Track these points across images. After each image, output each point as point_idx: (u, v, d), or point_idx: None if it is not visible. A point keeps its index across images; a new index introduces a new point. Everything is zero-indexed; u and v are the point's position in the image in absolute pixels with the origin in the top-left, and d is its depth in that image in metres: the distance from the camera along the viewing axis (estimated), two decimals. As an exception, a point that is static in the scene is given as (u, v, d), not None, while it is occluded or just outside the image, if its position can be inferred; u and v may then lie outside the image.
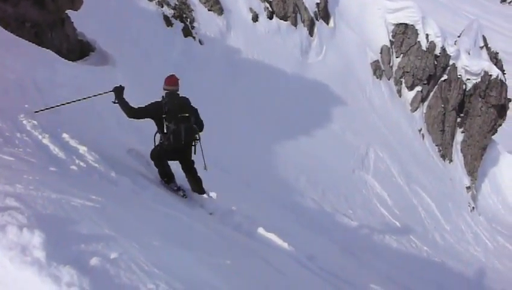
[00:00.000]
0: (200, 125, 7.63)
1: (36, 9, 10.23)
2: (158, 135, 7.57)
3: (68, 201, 3.93)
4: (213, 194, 8.23)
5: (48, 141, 6.62)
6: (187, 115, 7.23)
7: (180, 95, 7.52)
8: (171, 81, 7.45)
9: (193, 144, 7.53)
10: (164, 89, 7.43)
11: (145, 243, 3.96)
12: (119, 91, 7.31)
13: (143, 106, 7.25)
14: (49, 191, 3.94)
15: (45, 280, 2.64)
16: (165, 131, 7.26)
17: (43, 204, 3.60)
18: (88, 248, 3.23)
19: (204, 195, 8.10)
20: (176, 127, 7.13)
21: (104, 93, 7.50)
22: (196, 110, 7.57)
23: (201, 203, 8.00)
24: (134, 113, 7.25)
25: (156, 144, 7.57)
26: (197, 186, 8.02)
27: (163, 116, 7.16)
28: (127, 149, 8.66)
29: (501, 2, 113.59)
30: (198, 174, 8.01)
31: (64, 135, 7.19)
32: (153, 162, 7.73)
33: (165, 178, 7.80)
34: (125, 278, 3.10)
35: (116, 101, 7.34)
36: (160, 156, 7.53)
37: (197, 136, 7.58)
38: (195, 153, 7.66)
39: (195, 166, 7.97)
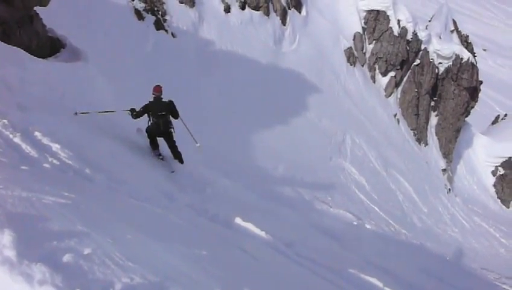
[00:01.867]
0: (176, 115, 10.64)
1: (3, 6, 10.04)
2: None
3: (39, 199, 3.92)
4: (199, 145, 11.19)
5: (20, 140, 6.56)
6: (164, 113, 10.40)
7: (163, 99, 10.48)
8: (156, 89, 10.51)
9: (170, 130, 10.58)
10: (152, 94, 10.45)
11: (119, 237, 3.97)
12: (133, 110, 10.50)
13: (141, 109, 10.41)
14: (20, 189, 3.92)
15: (17, 279, 2.63)
16: (150, 121, 10.48)
17: (13, 203, 3.58)
18: (60, 244, 3.22)
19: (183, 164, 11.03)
20: (156, 120, 10.38)
21: (126, 111, 10.50)
22: (173, 106, 10.52)
23: (173, 169, 10.88)
24: (136, 117, 10.48)
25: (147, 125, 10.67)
26: (177, 157, 10.95)
27: (149, 112, 10.41)
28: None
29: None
30: (179, 150, 10.94)
31: (36, 133, 7.13)
32: (146, 134, 10.79)
33: (152, 146, 10.85)
34: (99, 273, 3.10)
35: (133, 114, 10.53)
36: (148, 133, 10.67)
37: (171, 128, 10.64)
38: (175, 132, 10.68)
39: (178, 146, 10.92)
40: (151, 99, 10.42)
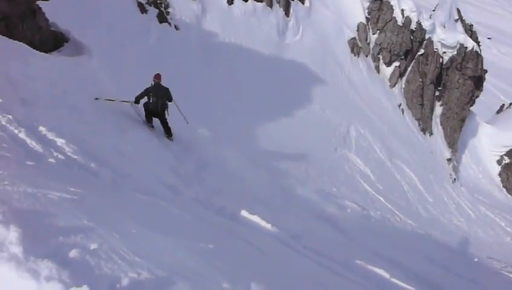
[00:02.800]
0: (170, 99, 12.16)
1: (5, 1, 10.02)
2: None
3: (45, 194, 3.90)
4: (189, 125, 13.51)
5: (24, 135, 6.55)
6: (162, 95, 11.89)
7: (162, 85, 12.03)
8: (156, 76, 12.05)
9: (164, 110, 12.10)
10: (153, 80, 11.96)
11: (125, 232, 3.96)
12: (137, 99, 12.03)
13: (143, 90, 11.89)
14: (25, 185, 3.91)
15: (23, 275, 2.62)
16: (150, 101, 11.93)
17: (19, 199, 3.57)
18: (67, 240, 3.21)
19: (172, 138, 12.53)
20: (155, 99, 11.88)
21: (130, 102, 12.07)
22: (169, 92, 12.07)
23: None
24: (138, 99, 11.94)
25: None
26: (168, 133, 12.46)
27: (150, 94, 11.86)
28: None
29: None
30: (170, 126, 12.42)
31: (41, 128, 7.13)
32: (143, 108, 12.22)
33: (146, 119, 12.30)
34: (106, 269, 3.09)
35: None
36: (145, 108, 12.13)
37: (166, 110, 12.16)
38: (168, 115, 12.23)
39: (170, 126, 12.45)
40: (152, 84, 11.97)
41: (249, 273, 4.71)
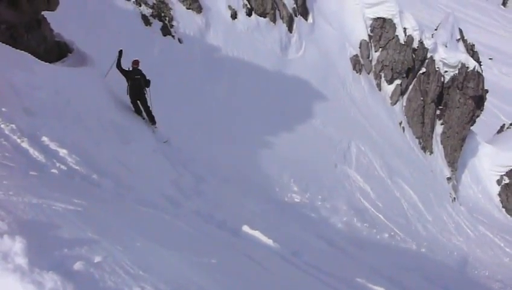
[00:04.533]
0: (148, 83, 12.96)
1: (11, 10, 10.05)
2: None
3: (49, 205, 3.88)
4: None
5: (27, 145, 6.53)
6: (138, 77, 12.75)
7: (139, 69, 12.96)
8: (135, 62, 12.97)
9: (144, 93, 12.93)
10: (132, 66, 12.89)
11: (129, 245, 3.93)
12: (120, 53, 12.91)
13: (125, 69, 12.79)
14: (30, 196, 3.89)
15: (28, 287, 2.59)
16: (129, 84, 12.75)
17: (24, 209, 3.55)
18: (71, 252, 3.19)
19: (156, 126, 13.15)
20: (132, 82, 12.73)
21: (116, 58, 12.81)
22: (144, 75, 12.88)
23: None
24: (120, 69, 12.74)
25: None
26: (151, 120, 13.10)
27: (129, 78, 12.72)
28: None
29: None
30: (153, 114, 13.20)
31: (44, 138, 7.11)
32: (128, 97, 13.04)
33: (134, 108, 13.10)
34: (110, 282, 3.06)
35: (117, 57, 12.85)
36: (129, 96, 12.88)
37: (144, 90, 12.96)
38: (149, 97, 13.07)
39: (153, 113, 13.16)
40: (131, 69, 12.91)
41: (251, 289, 4.67)
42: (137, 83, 12.81)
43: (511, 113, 57.21)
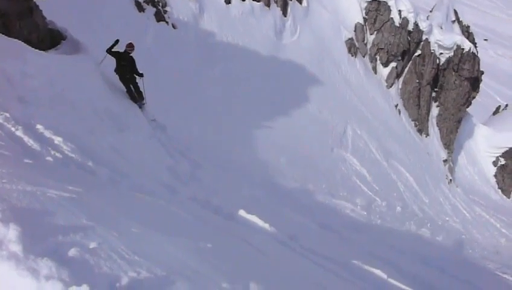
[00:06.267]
0: (135, 71, 12.73)
1: (2, -1, 9.97)
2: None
3: (44, 193, 3.88)
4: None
5: (22, 133, 6.52)
6: (124, 64, 12.46)
7: (130, 55, 12.61)
8: (128, 45, 12.59)
9: (133, 75, 12.82)
10: (126, 48, 12.53)
11: (124, 231, 3.94)
12: (117, 42, 12.57)
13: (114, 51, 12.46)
14: (24, 183, 3.89)
15: (23, 274, 2.60)
16: (116, 65, 12.51)
17: (18, 197, 3.55)
18: (66, 239, 3.19)
19: (144, 102, 13.30)
20: (118, 65, 12.42)
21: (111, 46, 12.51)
22: (133, 61, 12.62)
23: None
24: (109, 52, 12.39)
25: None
26: (139, 95, 13.11)
27: (116, 58, 12.43)
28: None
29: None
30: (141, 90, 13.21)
31: (39, 126, 7.09)
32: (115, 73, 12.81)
33: (126, 91, 12.98)
34: (105, 268, 3.07)
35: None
36: (116, 72, 12.66)
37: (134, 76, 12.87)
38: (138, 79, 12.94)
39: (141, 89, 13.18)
40: (122, 51, 12.57)
41: (248, 273, 4.70)
42: (122, 69, 12.60)
43: (507, 94, 57.27)
